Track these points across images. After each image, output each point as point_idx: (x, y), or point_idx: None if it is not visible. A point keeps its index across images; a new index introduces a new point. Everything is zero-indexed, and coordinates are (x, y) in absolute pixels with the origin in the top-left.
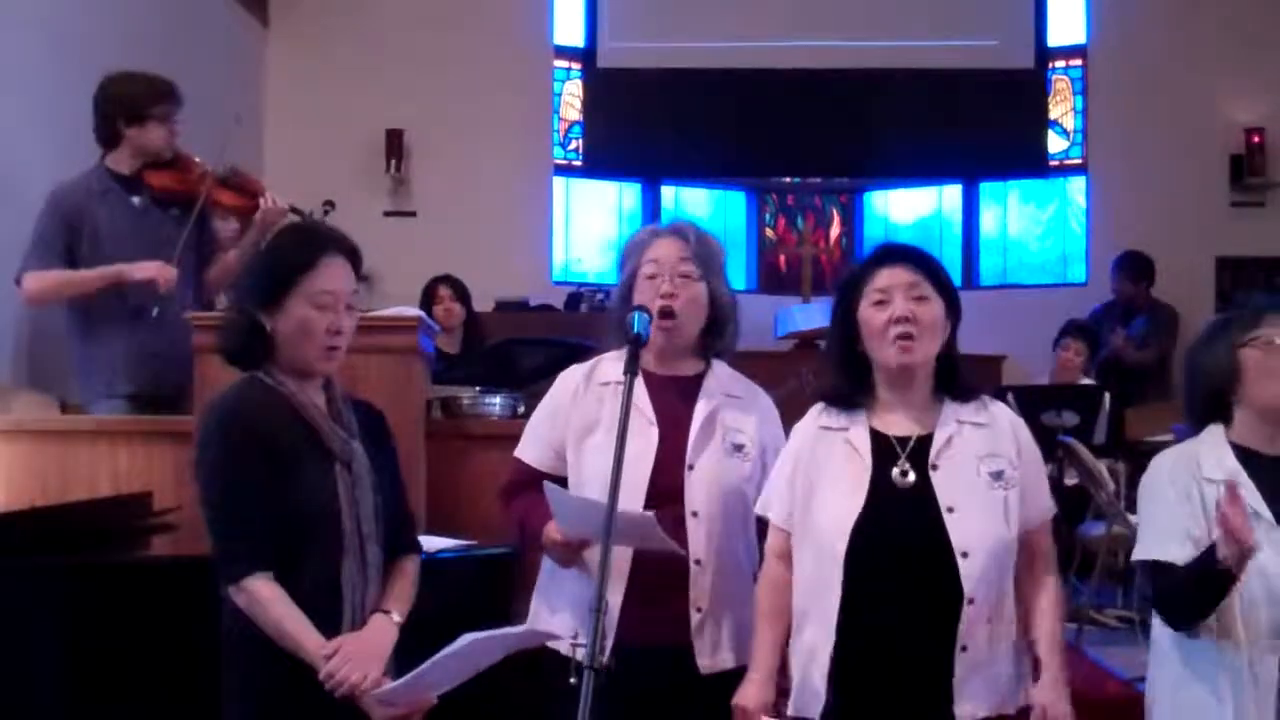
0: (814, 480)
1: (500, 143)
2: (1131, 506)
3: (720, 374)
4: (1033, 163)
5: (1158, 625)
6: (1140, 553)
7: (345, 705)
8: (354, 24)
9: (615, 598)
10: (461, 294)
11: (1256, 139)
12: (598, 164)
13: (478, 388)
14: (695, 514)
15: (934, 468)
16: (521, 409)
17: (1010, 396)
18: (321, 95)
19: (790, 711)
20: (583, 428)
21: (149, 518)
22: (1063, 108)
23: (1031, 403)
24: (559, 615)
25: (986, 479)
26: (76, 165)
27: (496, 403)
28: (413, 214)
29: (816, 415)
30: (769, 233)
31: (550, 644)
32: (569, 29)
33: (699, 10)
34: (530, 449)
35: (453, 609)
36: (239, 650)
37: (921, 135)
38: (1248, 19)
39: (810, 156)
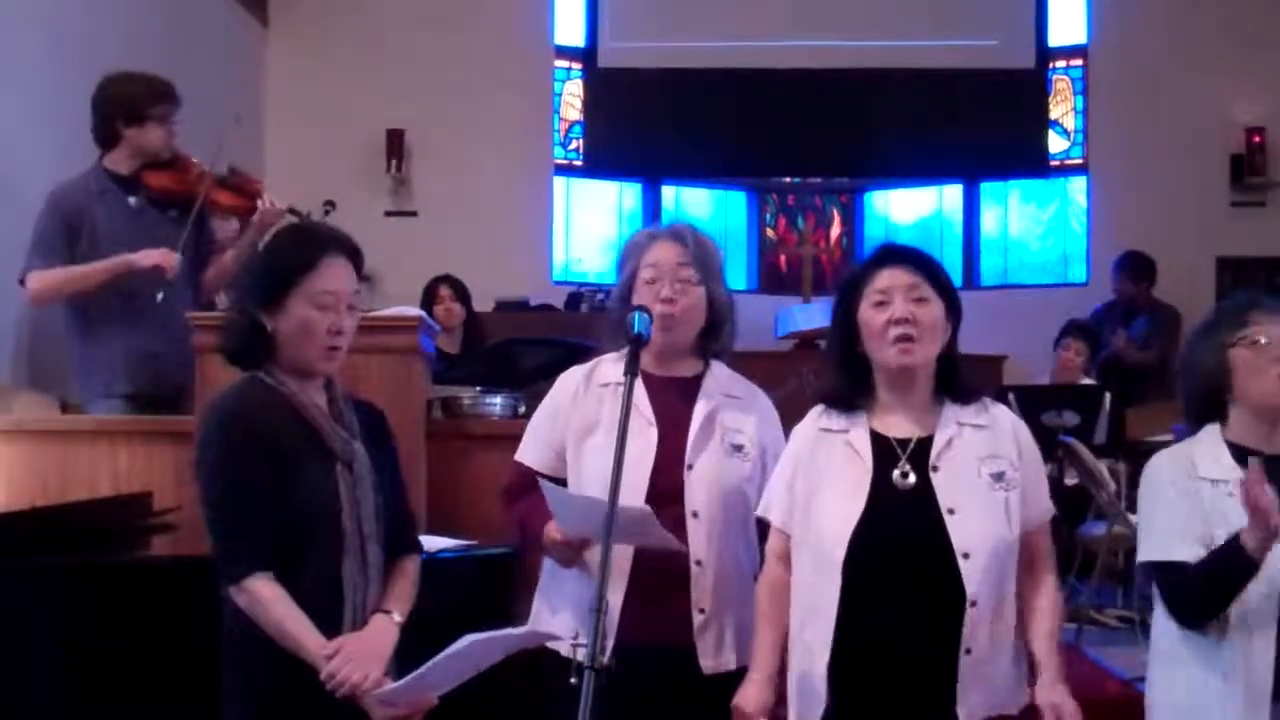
0: (814, 483)
1: (501, 142)
2: (1132, 506)
3: (719, 375)
4: (1033, 163)
5: (1158, 625)
6: (1146, 554)
7: (346, 705)
8: (354, 24)
9: (616, 598)
10: (462, 294)
11: (1257, 139)
12: (598, 164)
13: (478, 388)
14: (695, 514)
15: (935, 469)
16: (522, 409)
17: (1011, 396)
18: (322, 95)
19: (791, 714)
20: (582, 429)
21: (149, 518)
22: (1063, 108)
23: (1032, 403)
24: (560, 616)
25: (987, 480)
26: (76, 165)
27: (497, 403)
28: (413, 214)
29: (817, 417)
30: (769, 233)
31: (550, 645)
32: (569, 29)
33: (699, 10)
34: (531, 451)
35: (453, 609)
36: (239, 650)
37: (922, 135)
38: (1248, 19)
39: (811, 156)
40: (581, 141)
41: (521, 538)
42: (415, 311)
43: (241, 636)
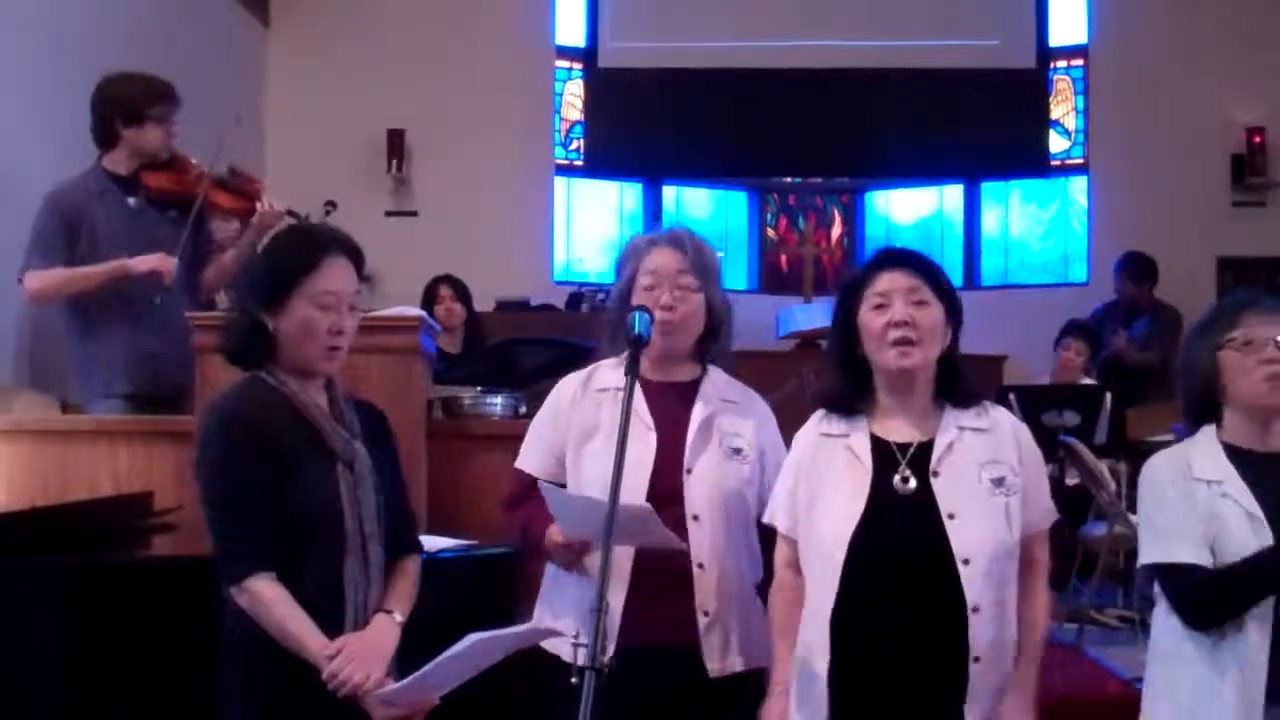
0: (815, 487)
1: (501, 143)
2: (1132, 506)
3: (716, 379)
4: (1034, 163)
5: (1157, 625)
6: (1150, 556)
7: (347, 706)
8: (355, 24)
9: (617, 600)
10: (462, 294)
11: (1258, 139)
12: (599, 164)
13: (479, 388)
14: (696, 517)
15: (935, 474)
16: (523, 409)
17: (1012, 397)
18: (322, 95)
19: (792, 714)
20: (581, 434)
21: (149, 518)
22: (1064, 108)
23: (1033, 403)
24: (562, 621)
25: (988, 485)
26: (76, 165)
27: (498, 403)
28: (414, 214)
29: (817, 422)
30: (770, 233)
31: (551, 649)
32: (570, 29)
33: (700, 10)
34: (531, 458)
35: (453, 609)
36: (240, 651)
37: (923, 135)
38: (1248, 19)
39: (811, 156)
40: (582, 141)
41: (524, 544)
42: (416, 311)
43: (243, 637)
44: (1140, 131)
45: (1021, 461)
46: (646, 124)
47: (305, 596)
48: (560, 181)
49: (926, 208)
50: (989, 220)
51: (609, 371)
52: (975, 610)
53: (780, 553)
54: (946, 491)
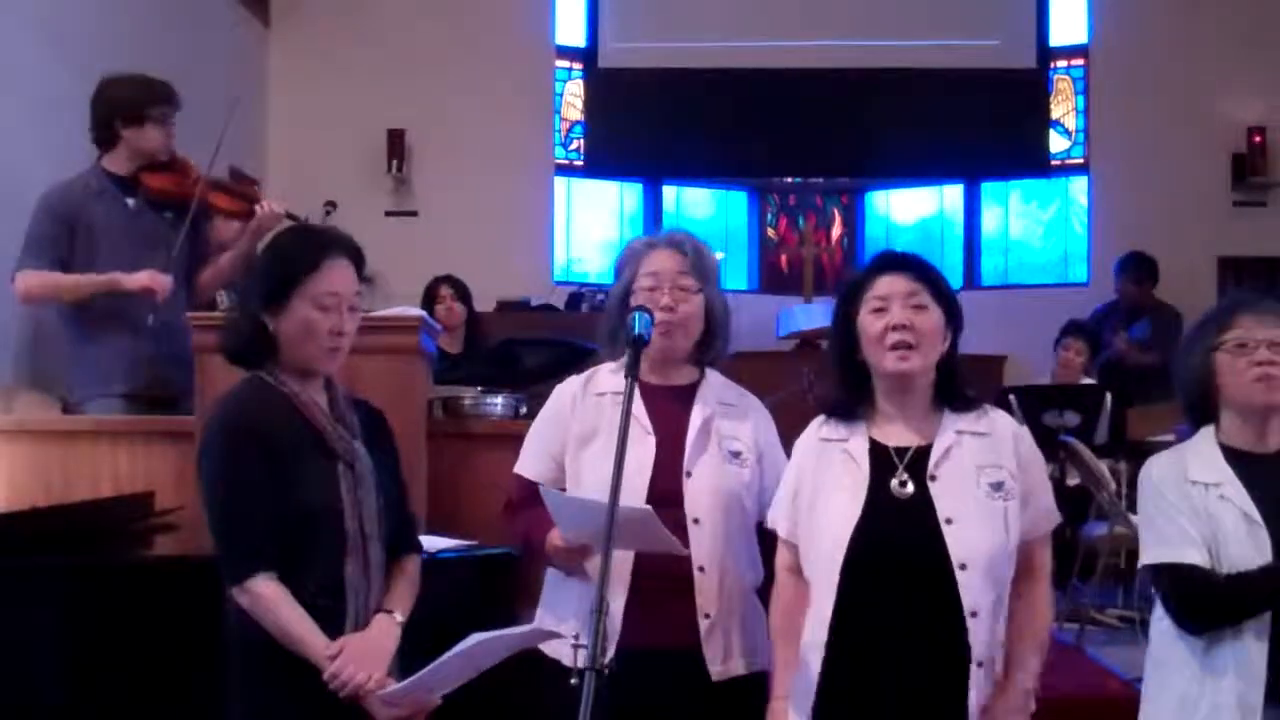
0: (815, 492)
1: (502, 143)
2: (1133, 507)
3: (714, 382)
4: (1034, 163)
5: (1156, 625)
6: (1151, 557)
7: (348, 706)
8: (355, 24)
9: (617, 603)
10: (463, 294)
11: (1258, 139)
12: (599, 164)
13: (479, 387)
14: (697, 521)
15: (933, 479)
16: (524, 409)
17: (1012, 397)
18: (323, 96)
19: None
20: (581, 437)
21: (150, 518)
22: (1064, 107)
23: (1033, 403)
24: (564, 625)
25: (986, 490)
26: (76, 165)
27: (498, 403)
28: (414, 214)
29: (818, 427)
30: (770, 233)
31: (552, 653)
32: (570, 29)
33: (700, 10)
34: (530, 462)
35: (454, 609)
36: (241, 651)
37: (923, 135)
38: (1248, 19)
39: (812, 156)
40: (582, 142)
41: (526, 550)
42: (416, 312)
43: (244, 637)
44: (1141, 131)
45: (1020, 465)
46: (646, 124)
47: (306, 597)
48: (560, 181)
49: (927, 208)
50: (989, 220)
51: (608, 375)
52: (974, 615)
53: (781, 557)
54: (944, 496)
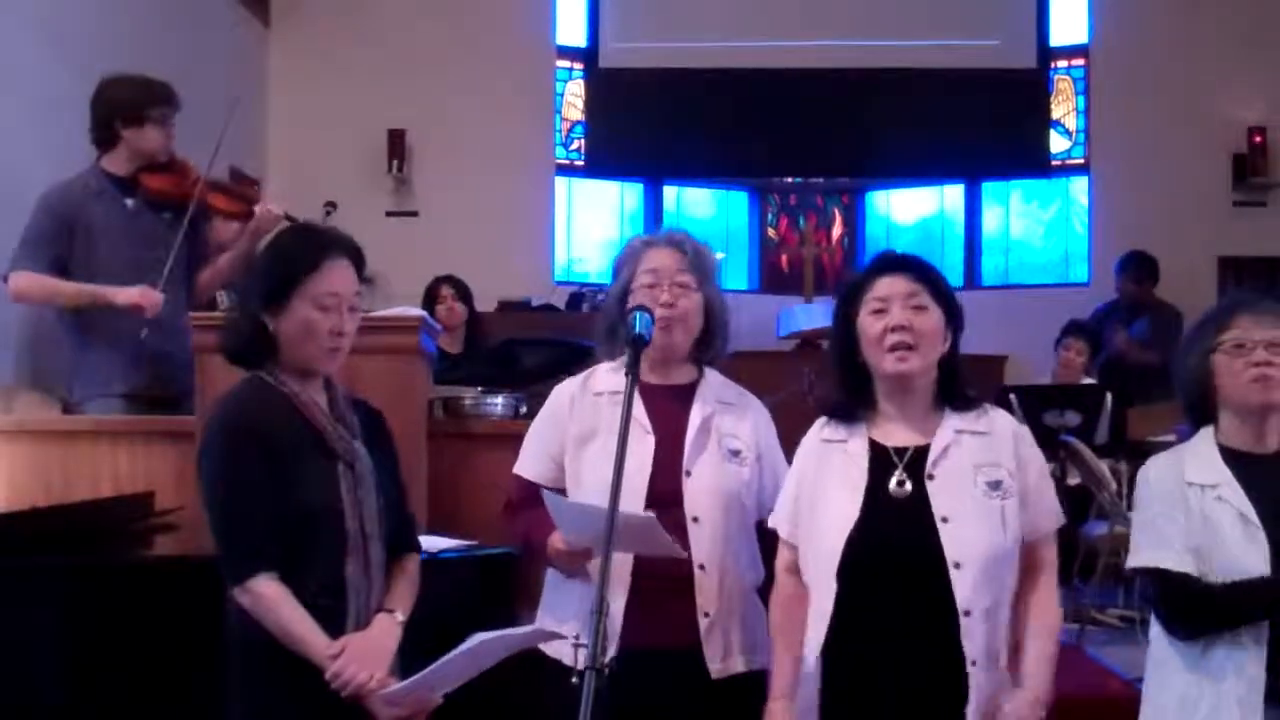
0: (815, 493)
1: (502, 143)
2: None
3: (713, 381)
4: (1035, 162)
5: (1156, 626)
6: (1140, 560)
7: (350, 706)
8: (355, 24)
9: (617, 604)
10: (464, 294)
11: (1259, 139)
12: (600, 164)
13: (480, 388)
14: (696, 520)
15: (930, 478)
16: (524, 409)
17: (1012, 397)
18: (323, 96)
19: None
20: (580, 437)
21: (150, 518)
22: (1065, 107)
23: (1034, 403)
24: (564, 626)
25: (983, 489)
26: (76, 165)
27: (499, 403)
28: (415, 214)
29: (819, 429)
30: (771, 233)
31: (553, 653)
32: (571, 29)
33: (701, 10)
34: (530, 463)
35: (454, 609)
36: (242, 651)
37: (923, 135)
38: (1248, 19)
39: (812, 156)
40: (583, 141)
41: (526, 551)
42: (417, 312)
43: (245, 637)
44: (1141, 131)
45: (1020, 464)
46: (647, 124)
47: (307, 596)
48: (561, 181)
49: (927, 208)
50: (990, 220)
51: (607, 374)
52: (967, 614)
53: (781, 558)
54: (940, 495)
